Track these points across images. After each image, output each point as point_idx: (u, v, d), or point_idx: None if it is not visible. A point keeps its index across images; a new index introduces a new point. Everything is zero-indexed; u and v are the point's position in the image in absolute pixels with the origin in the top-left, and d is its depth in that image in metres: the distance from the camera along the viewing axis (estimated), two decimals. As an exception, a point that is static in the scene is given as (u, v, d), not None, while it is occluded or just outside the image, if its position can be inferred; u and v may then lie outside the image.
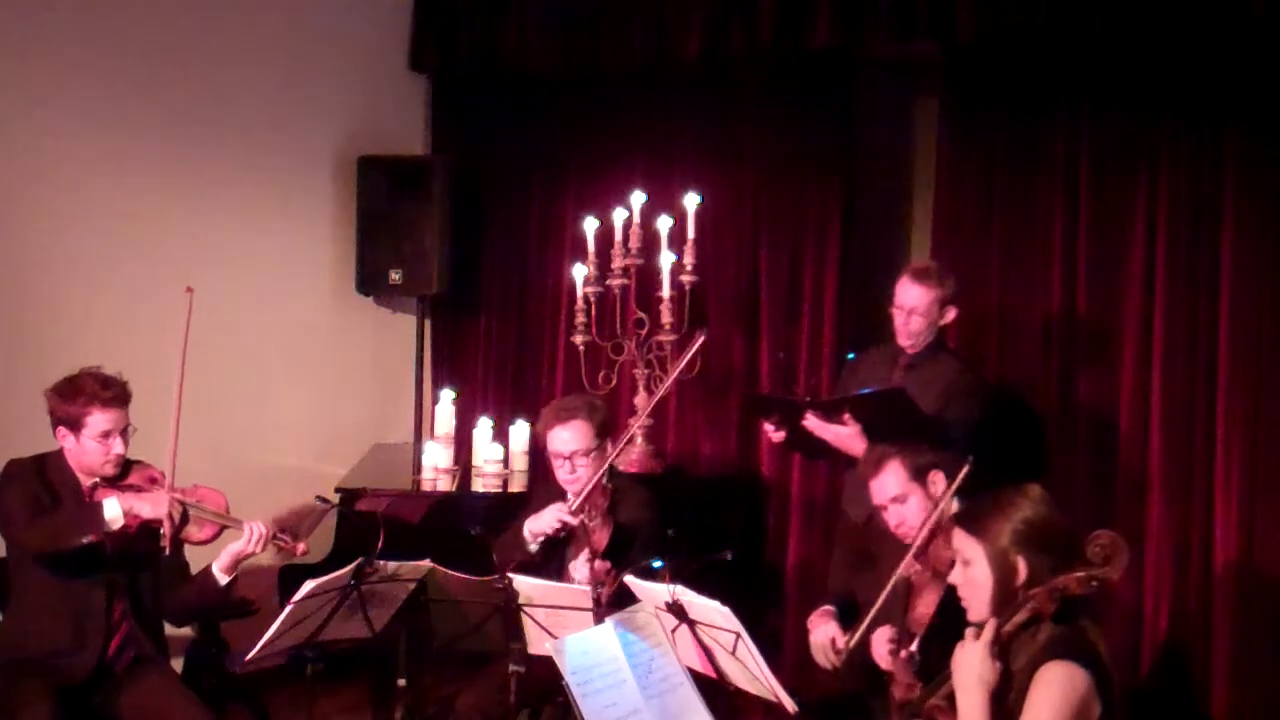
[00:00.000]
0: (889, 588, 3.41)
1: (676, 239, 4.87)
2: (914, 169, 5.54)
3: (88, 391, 3.64)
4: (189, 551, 3.86)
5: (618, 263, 4.96)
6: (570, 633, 3.20)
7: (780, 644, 4.89)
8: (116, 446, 3.67)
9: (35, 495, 3.63)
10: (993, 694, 2.51)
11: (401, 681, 4.62)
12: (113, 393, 3.66)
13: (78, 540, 3.53)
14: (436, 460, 4.90)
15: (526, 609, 3.46)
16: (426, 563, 3.55)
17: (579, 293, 5.02)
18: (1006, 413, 4.64)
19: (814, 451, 4.40)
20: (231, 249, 5.29)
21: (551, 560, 3.91)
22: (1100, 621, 2.61)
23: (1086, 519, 4.18)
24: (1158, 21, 4.35)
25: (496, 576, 3.48)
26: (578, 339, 5.03)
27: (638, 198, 4.97)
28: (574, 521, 3.82)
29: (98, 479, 3.70)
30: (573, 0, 5.35)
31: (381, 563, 3.45)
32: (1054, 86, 4.77)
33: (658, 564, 3.42)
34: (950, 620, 2.68)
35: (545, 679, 3.41)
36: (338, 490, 4.60)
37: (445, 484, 4.84)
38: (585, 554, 3.65)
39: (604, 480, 3.97)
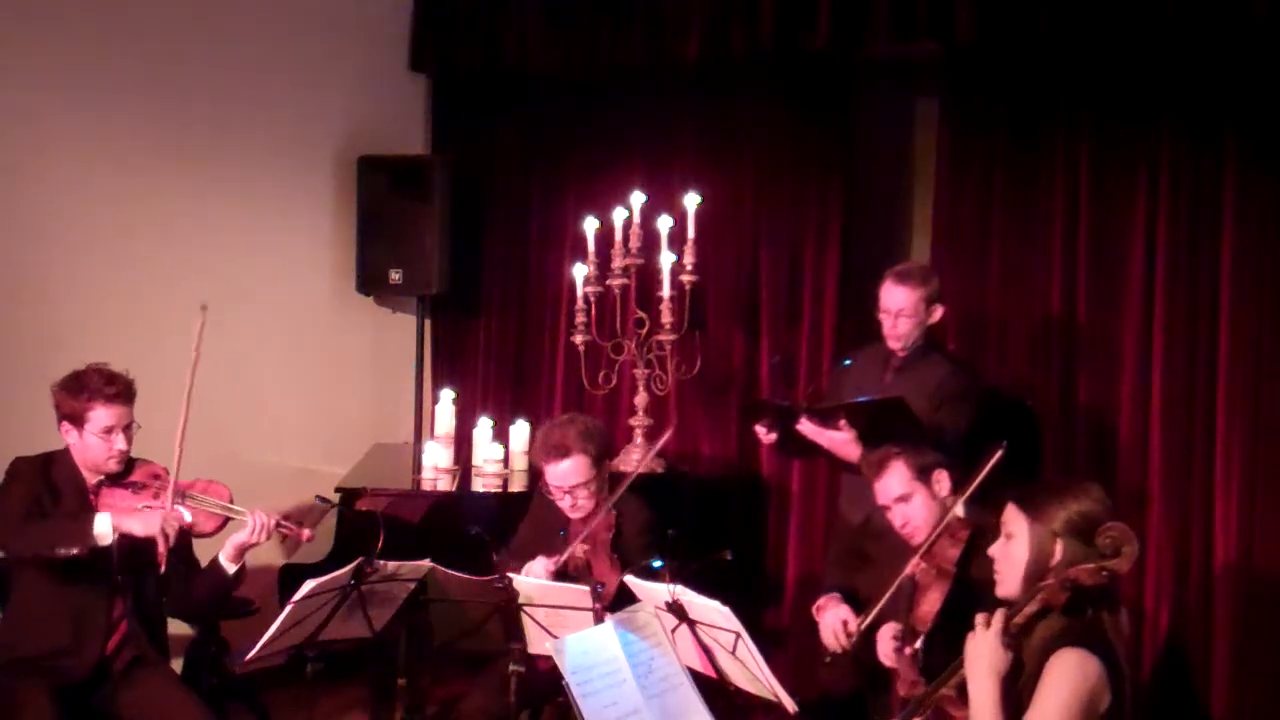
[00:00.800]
0: (896, 584, 3.42)
1: (676, 239, 4.87)
2: (914, 169, 5.54)
3: (91, 387, 3.65)
4: (196, 545, 3.86)
5: (618, 263, 4.96)
6: (570, 632, 3.20)
7: (780, 644, 4.89)
8: (119, 443, 3.67)
9: (34, 497, 3.63)
10: (1004, 682, 2.52)
11: (401, 681, 4.61)
12: (116, 389, 3.66)
13: (61, 552, 3.52)
14: (436, 460, 4.90)
15: (526, 609, 3.46)
16: (426, 562, 3.55)
17: (579, 292, 5.02)
18: (1002, 413, 4.64)
19: (808, 454, 4.41)
20: (232, 249, 5.29)
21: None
22: (1116, 614, 2.62)
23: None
24: (1158, 22, 4.35)
25: (496, 576, 3.48)
26: (578, 339, 5.03)
27: (638, 198, 4.97)
28: (549, 579, 3.76)
29: (102, 476, 3.70)
30: (573, 0, 5.35)
31: (381, 562, 3.46)
32: (1054, 87, 4.77)
33: (658, 564, 3.42)
34: (954, 619, 2.69)
35: (545, 679, 3.42)
36: (338, 490, 4.60)
37: (445, 484, 4.84)
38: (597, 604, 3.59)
39: (603, 499, 3.94)
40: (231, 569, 3.73)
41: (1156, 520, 4.53)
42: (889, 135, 5.53)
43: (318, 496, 4.08)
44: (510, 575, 3.49)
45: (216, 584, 3.76)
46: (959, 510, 3.48)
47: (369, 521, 4.06)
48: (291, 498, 4.81)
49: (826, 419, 4.14)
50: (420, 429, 5.73)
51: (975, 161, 4.94)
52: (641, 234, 4.96)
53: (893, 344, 4.26)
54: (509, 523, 4.23)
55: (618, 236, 4.95)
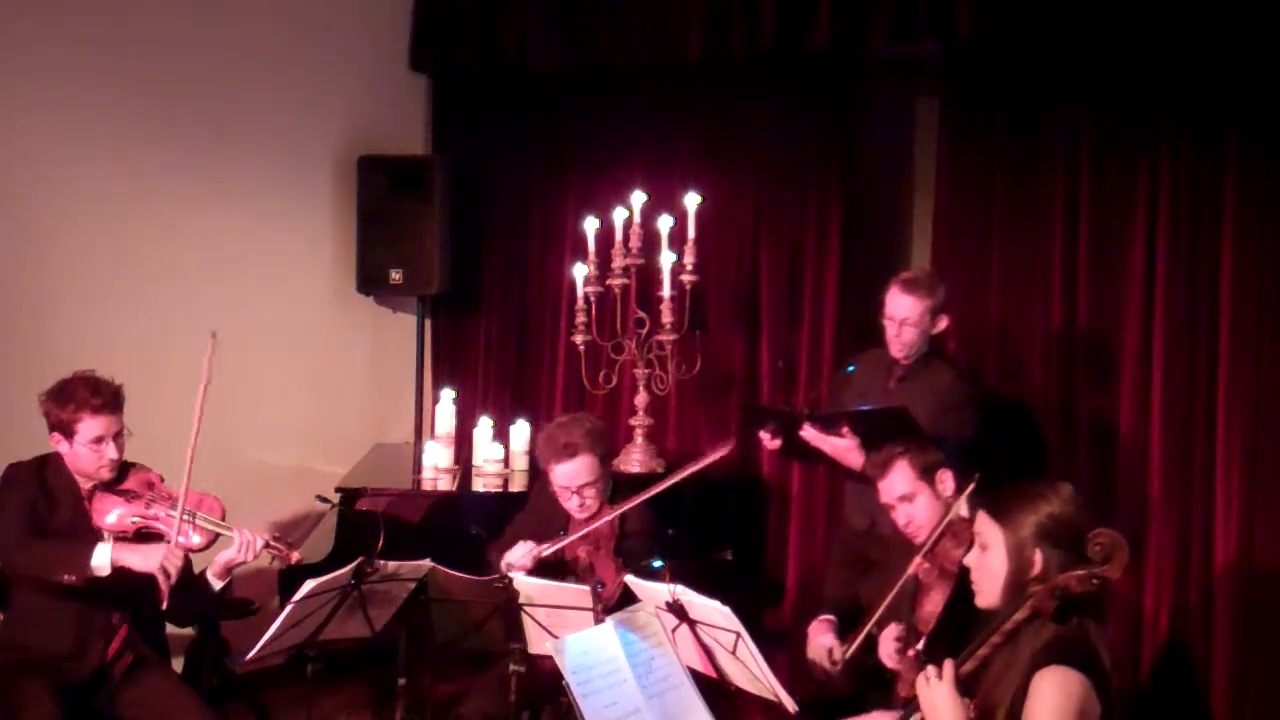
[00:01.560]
0: (897, 588, 3.42)
1: (677, 239, 4.87)
2: (914, 169, 5.54)
3: (78, 398, 3.62)
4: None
5: (618, 262, 4.95)
6: (570, 632, 3.20)
7: (781, 643, 4.89)
8: (110, 452, 3.66)
9: (32, 504, 3.62)
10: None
11: (401, 681, 4.61)
12: (103, 399, 3.63)
13: (59, 578, 3.52)
14: (437, 460, 4.90)
15: (527, 609, 3.46)
16: (426, 562, 3.55)
17: (579, 292, 5.02)
18: (1005, 418, 4.64)
19: (811, 459, 4.41)
20: (232, 249, 5.29)
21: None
22: (1105, 620, 2.60)
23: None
24: (1158, 22, 4.35)
25: (496, 576, 3.48)
26: (578, 339, 5.03)
27: (638, 197, 4.97)
28: (530, 566, 3.76)
29: (94, 483, 3.69)
30: (573, 0, 5.35)
31: (381, 562, 3.46)
32: (1054, 87, 4.76)
33: (658, 564, 3.42)
34: (957, 619, 2.68)
35: (546, 679, 3.42)
36: (338, 490, 4.60)
37: (445, 484, 4.84)
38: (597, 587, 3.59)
39: (606, 500, 3.95)
40: (218, 585, 3.72)
41: (1157, 521, 4.53)
42: (889, 135, 5.53)
43: (318, 496, 4.08)
44: (511, 575, 3.49)
45: (201, 598, 3.74)
46: (962, 510, 3.48)
47: (369, 521, 4.06)
48: (292, 497, 4.82)
49: (829, 425, 4.14)
50: (420, 429, 5.74)
51: (975, 161, 4.93)
52: (642, 234, 4.96)
53: (896, 352, 4.24)
54: (509, 523, 4.23)
55: (618, 236, 4.95)
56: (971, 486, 3.46)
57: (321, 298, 5.69)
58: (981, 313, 4.85)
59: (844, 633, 3.72)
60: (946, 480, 3.58)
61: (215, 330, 3.64)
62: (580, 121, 5.67)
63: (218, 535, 3.68)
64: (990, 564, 2.65)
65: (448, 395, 5.22)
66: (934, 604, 3.37)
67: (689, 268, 4.85)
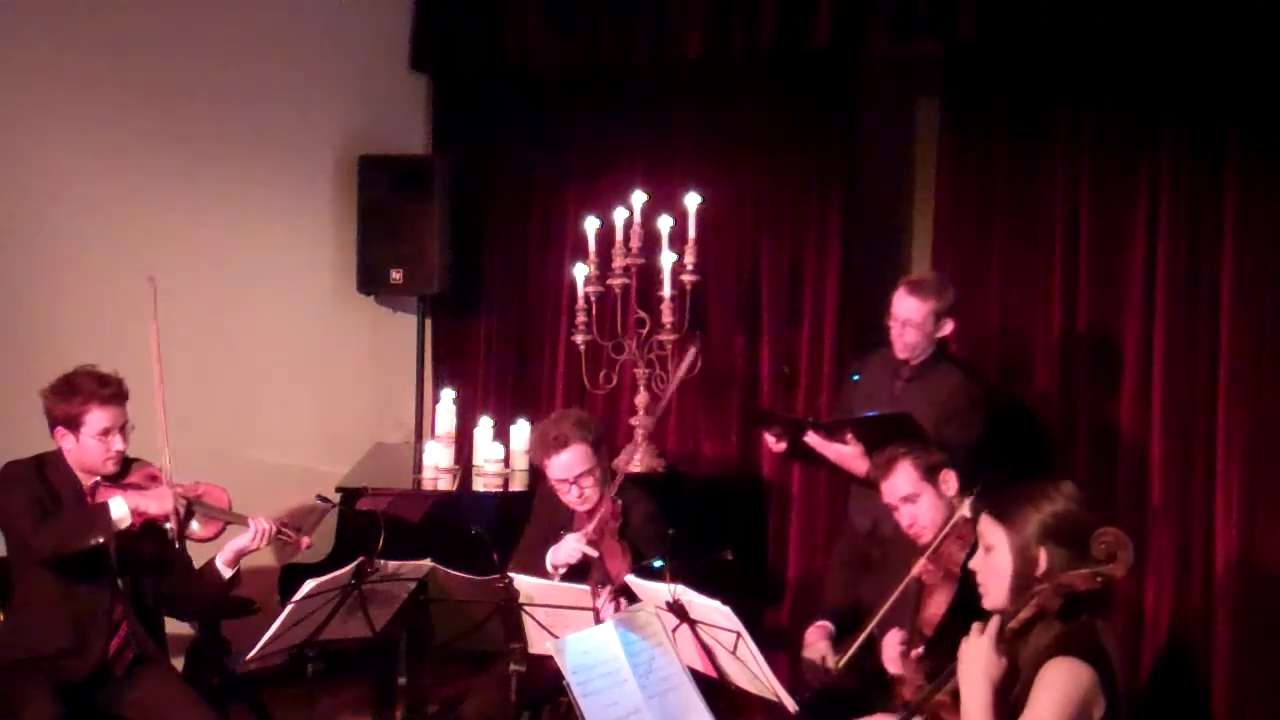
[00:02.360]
0: (899, 590, 3.42)
1: (677, 238, 4.87)
2: (914, 169, 5.53)
3: (85, 390, 3.63)
4: (191, 547, 3.85)
5: (618, 262, 4.95)
6: (571, 632, 3.20)
7: (781, 643, 4.89)
8: (117, 443, 3.67)
9: (38, 498, 3.62)
10: (997, 689, 2.51)
11: (402, 681, 4.61)
12: (110, 390, 3.65)
13: (87, 542, 3.52)
14: (437, 459, 4.90)
15: (527, 608, 3.46)
16: (427, 562, 3.55)
17: (579, 292, 5.02)
18: (1009, 420, 4.64)
19: (816, 462, 4.41)
20: (232, 248, 5.29)
21: (571, 580, 3.87)
22: (1110, 619, 2.61)
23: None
24: (1158, 22, 4.35)
25: (497, 576, 3.48)
26: (578, 338, 5.03)
27: (638, 197, 4.97)
28: (594, 552, 3.81)
29: (98, 478, 3.69)
30: (573, 0, 5.35)
31: (382, 562, 3.46)
32: (1055, 87, 4.76)
33: (658, 564, 3.42)
34: (961, 621, 2.68)
35: (546, 679, 3.42)
36: (338, 489, 4.59)
37: (446, 483, 4.84)
38: (608, 591, 3.60)
39: (607, 490, 3.96)
40: (228, 573, 3.73)
41: (1157, 522, 4.53)
42: (889, 135, 5.53)
43: (318, 496, 4.08)
44: (511, 575, 3.49)
45: (210, 587, 3.76)
46: (966, 511, 3.48)
47: (370, 521, 4.06)
48: (292, 497, 4.82)
49: (833, 433, 4.14)
50: (421, 429, 5.73)
51: (976, 161, 4.93)
52: (642, 234, 4.96)
53: (900, 353, 4.24)
54: (509, 522, 4.23)
55: (618, 236, 4.95)
56: (977, 490, 3.46)
57: (322, 298, 5.69)
58: (981, 313, 4.84)
59: (841, 639, 3.72)
60: (950, 481, 3.58)
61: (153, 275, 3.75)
62: (580, 121, 5.67)
63: (228, 523, 3.70)
64: (995, 565, 2.65)
65: (448, 395, 5.22)
66: (937, 606, 3.37)
67: (689, 267, 4.85)
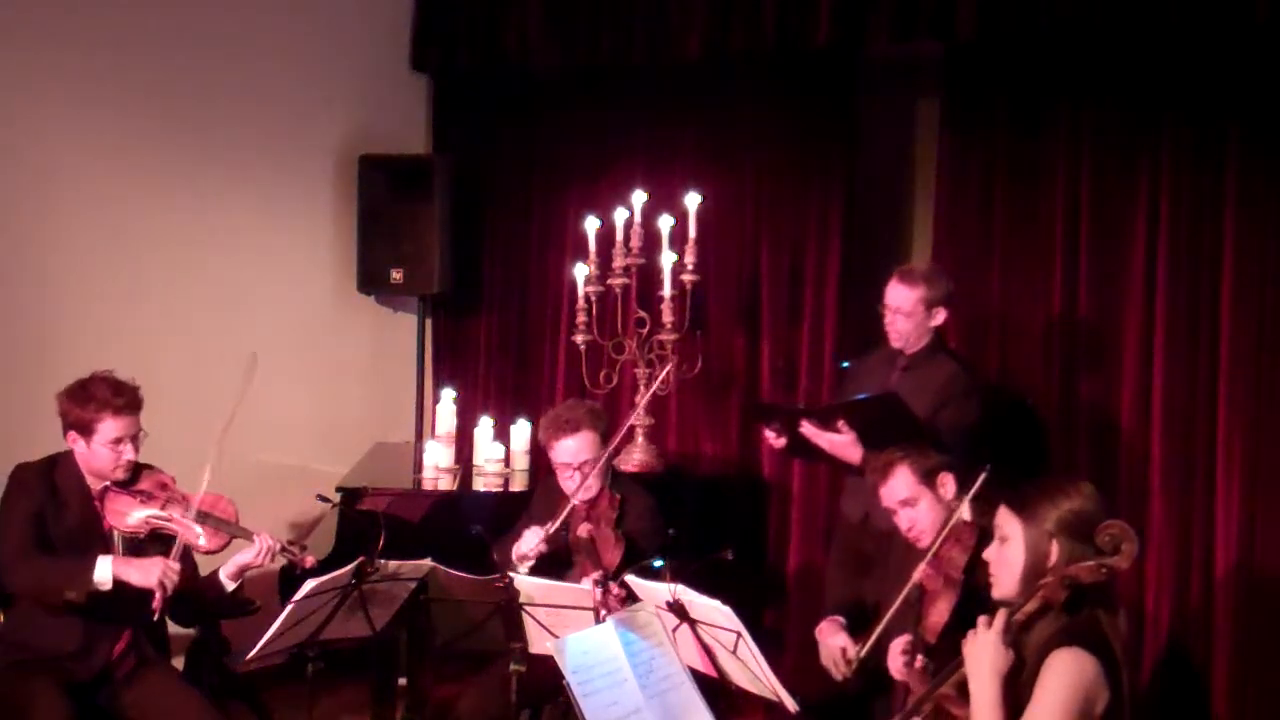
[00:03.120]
0: (901, 597, 3.41)
1: (677, 238, 4.87)
2: (914, 169, 5.53)
3: (99, 398, 3.62)
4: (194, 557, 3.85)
5: (619, 262, 4.95)
6: (571, 632, 3.20)
7: (781, 643, 4.89)
8: (128, 453, 3.66)
9: (38, 514, 3.61)
10: (1004, 681, 2.53)
11: (402, 680, 4.61)
12: (125, 399, 3.64)
13: (62, 595, 3.52)
14: (437, 459, 4.89)
15: (527, 608, 3.46)
16: (427, 562, 3.55)
17: (580, 292, 5.02)
18: (1006, 414, 4.64)
19: (816, 457, 4.41)
20: (232, 248, 5.29)
21: (554, 573, 3.89)
22: (1116, 611, 2.62)
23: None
24: (1159, 23, 4.35)
25: (497, 576, 3.48)
26: (579, 338, 5.03)
27: (639, 197, 4.97)
28: (545, 548, 3.81)
29: (107, 483, 3.69)
30: (574, 0, 5.35)
31: (382, 562, 3.46)
32: (1055, 87, 4.77)
33: (658, 563, 3.42)
34: (963, 629, 2.68)
35: (546, 678, 3.42)
36: (339, 489, 4.59)
37: (446, 483, 4.84)
38: (596, 575, 3.62)
39: (607, 484, 3.97)
40: (231, 586, 3.73)
41: (1157, 519, 4.53)
42: (890, 135, 5.53)
43: (318, 495, 4.08)
44: (511, 575, 3.49)
45: (214, 599, 3.76)
46: (965, 514, 3.48)
47: (370, 521, 4.06)
48: (292, 497, 4.82)
49: (826, 420, 4.14)
50: (421, 428, 5.73)
51: (976, 161, 4.94)
52: (642, 233, 4.96)
53: (894, 342, 4.26)
54: (510, 522, 4.23)
55: (618, 236, 4.95)
56: (976, 485, 3.45)
57: (322, 297, 5.69)
58: (982, 313, 4.85)
59: (854, 631, 3.70)
60: (948, 483, 3.57)
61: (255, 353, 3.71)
62: (581, 121, 5.67)
63: (233, 538, 3.69)
64: (1009, 556, 2.68)
65: (448, 395, 5.22)
66: (940, 613, 3.36)
67: (689, 267, 4.85)
